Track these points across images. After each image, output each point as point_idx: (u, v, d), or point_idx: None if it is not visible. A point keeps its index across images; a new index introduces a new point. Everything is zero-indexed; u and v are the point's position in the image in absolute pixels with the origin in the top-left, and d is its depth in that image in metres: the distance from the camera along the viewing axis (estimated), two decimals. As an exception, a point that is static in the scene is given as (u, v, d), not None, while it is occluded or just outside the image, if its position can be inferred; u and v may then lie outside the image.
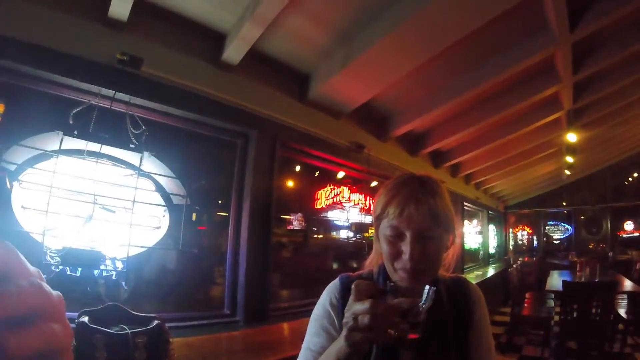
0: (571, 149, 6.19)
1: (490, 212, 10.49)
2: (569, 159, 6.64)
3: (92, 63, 2.41)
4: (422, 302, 0.75)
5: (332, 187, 4.61)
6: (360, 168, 4.76)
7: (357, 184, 4.94)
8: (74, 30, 2.37)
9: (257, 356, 2.44)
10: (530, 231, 13.37)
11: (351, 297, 0.75)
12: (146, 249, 2.63)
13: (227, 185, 3.37)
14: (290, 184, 4.37)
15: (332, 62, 3.45)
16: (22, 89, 2.29)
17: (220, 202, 3.53)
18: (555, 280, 5.49)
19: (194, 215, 3.19)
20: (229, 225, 3.29)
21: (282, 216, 4.23)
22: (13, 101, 2.23)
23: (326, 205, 4.60)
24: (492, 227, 10.97)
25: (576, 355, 4.32)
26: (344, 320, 0.74)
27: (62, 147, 2.23)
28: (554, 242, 12.83)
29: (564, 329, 4.20)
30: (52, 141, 2.28)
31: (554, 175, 9.54)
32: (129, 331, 1.76)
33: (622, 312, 4.71)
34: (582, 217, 12.14)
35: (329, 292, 1.01)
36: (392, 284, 0.79)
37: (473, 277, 7.35)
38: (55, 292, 0.40)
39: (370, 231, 5.10)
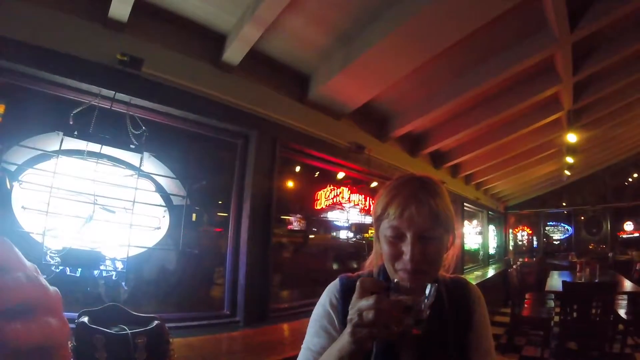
0: (571, 150, 6.20)
1: (490, 212, 10.49)
2: (569, 160, 6.64)
3: (93, 64, 2.41)
4: (425, 298, 0.76)
5: (332, 187, 4.62)
6: (360, 169, 4.76)
7: (357, 184, 4.94)
8: (74, 31, 2.37)
9: (257, 357, 2.43)
10: (530, 232, 13.38)
11: (355, 295, 0.76)
12: (146, 249, 2.64)
13: (227, 185, 3.37)
14: (290, 184, 4.37)
15: (332, 63, 3.46)
16: (22, 89, 2.29)
17: (220, 202, 3.53)
18: (555, 281, 5.49)
19: (194, 215, 3.19)
20: (229, 226, 3.29)
21: (282, 217, 4.23)
22: (13, 101, 2.23)
23: (326, 205, 4.60)
24: (492, 227, 10.97)
25: (576, 356, 4.32)
26: (349, 317, 0.74)
27: (62, 148, 2.24)
28: (554, 242, 12.84)
29: (564, 329, 4.20)
30: (53, 141, 2.28)
31: (554, 176, 9.54)
32: (129, 331, 1.75)
33: (622, 312, 4.71)
34: (582, 218, 12.15)
35: (329, 292, 1.01)
36: (396, 280, 0.80)
37: (473, 277, 7.35)
38: (52, 288, 0.40)
39: (370, 232, 5.11)
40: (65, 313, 0.42)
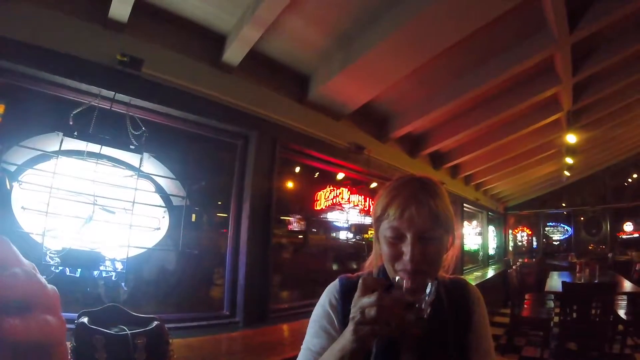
0: (571, 150, 6.20)
1: (490, 213, 10.49)
2: (569, 160, 6.64)
3: (93, 64, 2.41)
4: (426, 295, 0.76)
5: (331, 188, 4.62)
6: (359, 169, 4.76)
7: (356, 185, 4.94)
8: (74, 31, 2.37)
9: (256, 357, 2.43)
10: (530, 232, 13.39)
11: (357, 293, 0.76)
12: (146, 249, 2.63)
13: (227, 186, 3.37)
14: (290, 185, 4.37)
15: (331, 64, 3.46)
16: (22, 89, 2.29)
17: (220, 203, 3.53)
18: (555, 282, 5.50)
19: (193, 216, 3.19)
20: (228, 226, 3.29)
21: (282, 217, 4.23)
22: (13, 102, 2.23)
23: (326, 206, 4.60)
24: (491, 228, 10.97)
25: (576, 356, 4.33)
26: (351, 315, 0.74)
27: (62, 148, 2.24)
28: (554, 243, 12.85)
29: (563, 330, 4.20)
30: (52, 142, 2.29)
31: (554, 177, 9.54)
32: (129, 332, 1.75)
33: (621, 313, 4.71)
34: (582, 218, 12.16)
35: (329, 293, 1.01)
36: (397, 279, 0.80)
37: (473, 278, 7.35)
38: (50, 286, 0.40)
39: (370, 232, 5.11)
40: (65, 313, 0.43)
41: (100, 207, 2.36)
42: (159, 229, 2.68)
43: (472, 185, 8.52)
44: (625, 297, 5.04)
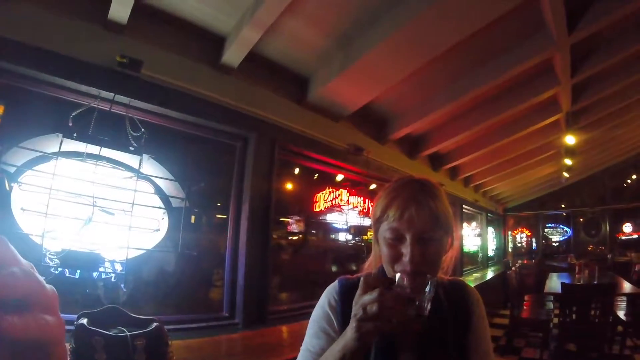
0: (570, 151, 6.20)
1: (489, 214, 10.50)
2: (568, 161, 6.65)
3: (92, 65, 2.41)
4: (426, 292, 0.77)
5: (331, 189, 4.62)
6: (359, 171, 4.76)
7: (355, 186, 4.94)
8: (74, 33, 2.38)
9: (256, 359, 2.44)
10: (529, 233, 13.39)
11: (358, 291, 0.76)
12: (145, 251, 2.63)
13: (226, 187, 3.37)
14: (289, 186, 4.37)
15: (330, 65, 3.47)
16: (21, 90, 2.29)
17: (219, 204, 3.53)
18: (554, 283, 5.50)
19: (192, 217, 3.19)
20: (228, 228, 3.29)
21: (281, 219, 4.23)
22: (13, 103, 2.23)
23: (325, 208, 4.60)
24: (491, 229, 10.97)
25: (575, 357, 4.32)
26: (353, 313, 0.75)
27: (61, 149, 2.24)
28: (553, 244, 12.84)
29: (563, 331, 4.20)
30: (52, 143, 2.29)
31: (553, 178, 9.55)
32: (128, 333, 1.75)
33: (621, 314, 4.72)
34: (581, 219, 12.16)
35: (328, 294, 1.01)
36: (398, 276, 0.80)
37: (472, 279, 7.35)
38: (49, 286, 0.41)
39: (369, 234, 5.11)
40: (64, 315, 0.43)
41: (100, 208, 2.36)
42: (158, 230, 2.68)
43: (472, 186, 8.52)
44: (624, 298, 5.04)
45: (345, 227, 4.96)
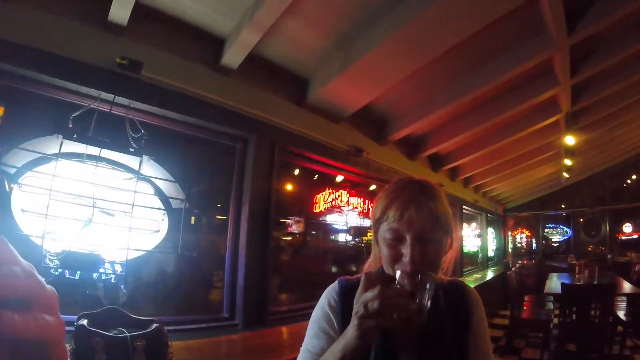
0: (570, 152, 6.20)
1: (489, 215, 10.50)
2: (568, 162, 6.65)
3: (92, 67, 2.41)
4: (427, 287, 0.77)
5: (330, 190, 4.62)
6: (358, 172, 4.77)
7: (355, 187, 4.94)
8: (74, 34, 2.38)
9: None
10: (529, 234, 13.40)
11: (360, 289, 0.76)
12: (145, 252, 2.63)
13: (226, 188, 3.37)
14: (289, 187, 4.38)
15: (330, 67, 3.47)
16: (22, 92, 2.30)
17: (219, 205, 3.53)
18: (554, 283, 5.50)
19: (192, 218, 3.19)
20: (227, 229, 3.29)
21: (281, 220, 4.23)
22: (13, 104, 2.23)
23: (325, 209, 4.61)
24: (491, 230, 10.97)
25: (575, 358, 4.33)
26: (354, 311, 0.75)
27: (61, 151, 2.24)
28: (553, 244, 12.85)
29: (563, 331, 4.20)
30: (52, 144, 2.29)
31: (553, 178, 9.55)
32: (128, 334, 1.75)
33: (621, 314, 4.72)
34: (581, 220, 12.16)
35: (328, 294, 1.02)
36: (399, 273, 0.81)
37: (472, 280, 7.35)
38: (49, 287, 0.41)
39: (369, 235, 5.11)
40: (64, 316, 0.43)
41: (100, 209, 2.37)
42: (158, 231, 2.68)
43: (471, 187, 8.53)
44: (624, 298, 5.04)
45: (345, 228, 4.97)
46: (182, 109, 2.90)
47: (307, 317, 1.03)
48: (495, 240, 11.59)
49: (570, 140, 5.59)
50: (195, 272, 3.23)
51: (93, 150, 2.38)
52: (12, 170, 2.19)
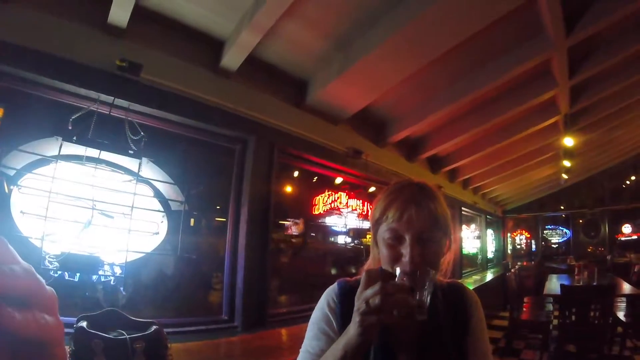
0: (568, 153, 6.20)
1: (488, 216, 10.50)
2: (567, 163, 6.65)
3: (92, 69, 2.42)
4: (427, 282, 0.78)
5: (329, 192, 4.62)
6: (358, 174, 4.77)
7: (354, 189, 4.94)
8: (73, 36, 2.38)
9: (255, 361, 2.44)
10: (529, 235, 13.40)
11: (361, 287, 0.76)
12: (144, 254, 2.63)
13: (225, 190, 3.38)
14: (288, 189, 4.38)
15: (329, 69, 3.48)
16: (21, 93, 2.30)
17: (218, 207, 3.54)
18: (554, 284, 5.49)
19: (192, 220, 3.19)
20: (227, 231, 3.29)
21: (280, 222, 4.23)
22: (12, 106, 2.24)
23: (324, 210, 4.61)
24: (490, 231, 10.97)
25: (575, 359, 4.32)
26: (356, 308, 0.75)
27: (61, 153, 2.25)
28: (552, 246, 12.85)
29: (562, 332, 4.20)
30: (51, 146, 2.29)
31: (552, 179, 9.56)
32: (128, 336, 1.76)
33: (620, 315, 4.71)
34: (580, 221, 12.16)
35: (327, 295, 1.02)
36: (399, 270, 0.81)
37: (471, 281, 7.35)
38: (48, 288, 0.41)
39: (368, 236, 5.11)
40: (64, 318, 0.43)
41: (99, 211, 2.37)
42: (157, 233, 2.69)
43: (470, 188, 8.54)
44: (624, 299, 5.04)
45: (344, 229, 4.97)
46: (181, 111, 2.91)
47: (307, 319, 1.03)
48: (494, 242, 11.60)
49: (569, 141, 5.59)
50: (194, 274, 3.23)
51: (92, 152, 2.38)
52: (12, 172, 2.20)
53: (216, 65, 3.09)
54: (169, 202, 2.82)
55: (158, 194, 2.78)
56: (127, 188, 2.51)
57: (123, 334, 1.76)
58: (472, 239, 9.48)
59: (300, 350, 0.97)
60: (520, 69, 3.79)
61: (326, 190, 4.61)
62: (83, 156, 2.35)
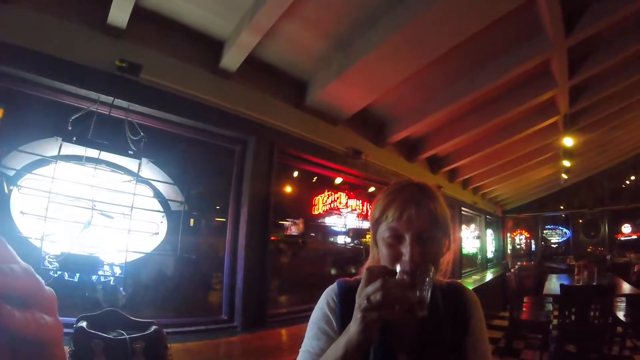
0: (568, 153, 6.20)
1: (488, 216, 10.50)
2: (566, 163, 6.65)
3: (92, 70, 2.42)
4: (427, 278, 0.78)
5: (329, 193, 4.63)
6: (357, 174, 4.77)
7: (354, 189, 4.94)
8: (73, 37, 2.39)
9: (255, 361, 2.44)
10: (528, 235, 13.40)
11: (362, 284, 0.77)
12: (144, 254, 2.64)
13: (225, 191, 3.38)
14: (288, 189, 4.38)
15: (329, 69, 3.48)
16: (21, 94, 2.30)
17: (218, 207, 3.54)
18: (554, 284, 5.49)
19: (191, 221, 3.19)
20: (226, 231, 3.29)
21: (280, 222, 4.23)
22: (12, 106, 2.24)
23: (324, 211, 4.61)
24: (490, 231, 10.98)
25: (575, 359, 4.32)
26: (357, 305, 0.75)
27: (61, 153, 2.25)
28: (552, 245, 12.85)
29: (562, 332, 4.20)
30: (51, 147, 2.29)
31: (552, 179, 9.56)
32: (127, 336, 1.75)
33: (620, 315, 4.72)
34: (580, 221, 12.16)
35: (327, 295, 1.02)
36: (399, 267, 0.81)
37: (471, 281, 7.35)
38: (48, 288, 0.41)
39: (367, 236, 5.11)
40: (63, 318, 0.43)
41: (99, 212, 2.37)
42: (157, 233, 2.69)
43: (470, 189, 8.54)
44: (624, 299, 5.04)
45: (344, 230, 4.97)
46: (181, 112, 2.91)
47: (307, 319, 1.03)
48: (494, 242, 11.60)
49: (568, 141, 5.59)
50: (194, 274, 3.23)
51: (92, 152, 2.38)
52: (12, 173, 2.20)
53: (216, 66, 3.09)
54: (169, 202, 2.82)
55: (158, 194, 2.78)
56: (126, 188, 2.51)
57: (123, 334, 1.76)
58: (471, 239, 9.49)
59: (300, 350, 0.97)
60: (520, 69, 3.79)
61: (326, 191, 4.62)
62: (83, 156, 2.35)
